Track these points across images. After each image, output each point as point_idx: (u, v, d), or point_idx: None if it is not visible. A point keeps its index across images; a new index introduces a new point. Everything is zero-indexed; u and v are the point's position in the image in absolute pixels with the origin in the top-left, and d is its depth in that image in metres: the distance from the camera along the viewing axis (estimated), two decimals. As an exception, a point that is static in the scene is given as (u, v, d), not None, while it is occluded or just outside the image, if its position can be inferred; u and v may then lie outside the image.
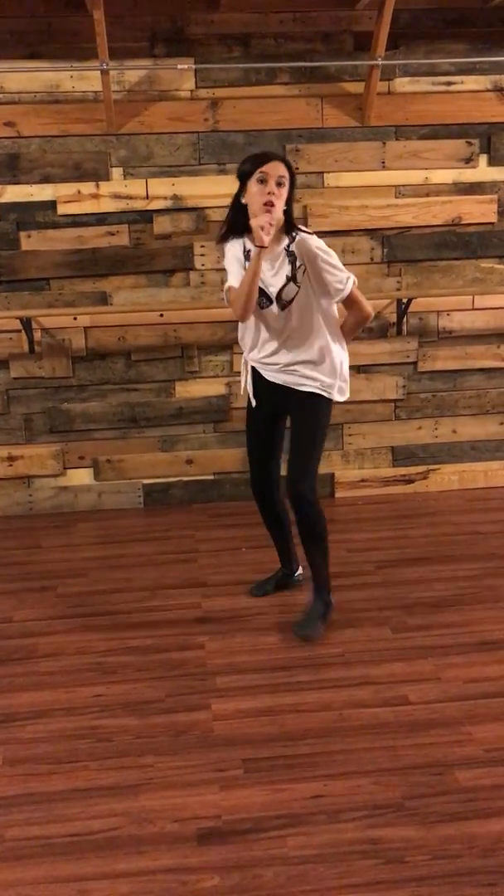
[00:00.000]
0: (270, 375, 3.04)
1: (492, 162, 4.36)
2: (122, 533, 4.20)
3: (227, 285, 2.91)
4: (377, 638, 2.99)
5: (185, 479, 4.55)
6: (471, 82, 4.27)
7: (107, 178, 4.20)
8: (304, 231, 2.90)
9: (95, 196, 4.21)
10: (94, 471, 4.50)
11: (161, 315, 4.33)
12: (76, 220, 4.23)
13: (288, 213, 2.87)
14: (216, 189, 4.21)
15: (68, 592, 3.51)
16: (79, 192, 4.21)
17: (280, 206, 2.80)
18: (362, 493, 4.58)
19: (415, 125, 4.29)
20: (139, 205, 4.24)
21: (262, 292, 2.88)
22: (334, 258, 2.89)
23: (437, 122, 4.29)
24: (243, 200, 2.85)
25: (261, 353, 3.03)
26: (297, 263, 2.87)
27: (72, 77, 4.09)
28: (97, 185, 4.21)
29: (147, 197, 4.24)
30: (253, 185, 2.80)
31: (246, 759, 2.36)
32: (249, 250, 2.84)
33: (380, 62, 3.98)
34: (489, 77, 4.27)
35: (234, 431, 4.49)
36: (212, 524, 4.26)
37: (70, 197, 4.21)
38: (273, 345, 2.99)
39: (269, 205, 2.76)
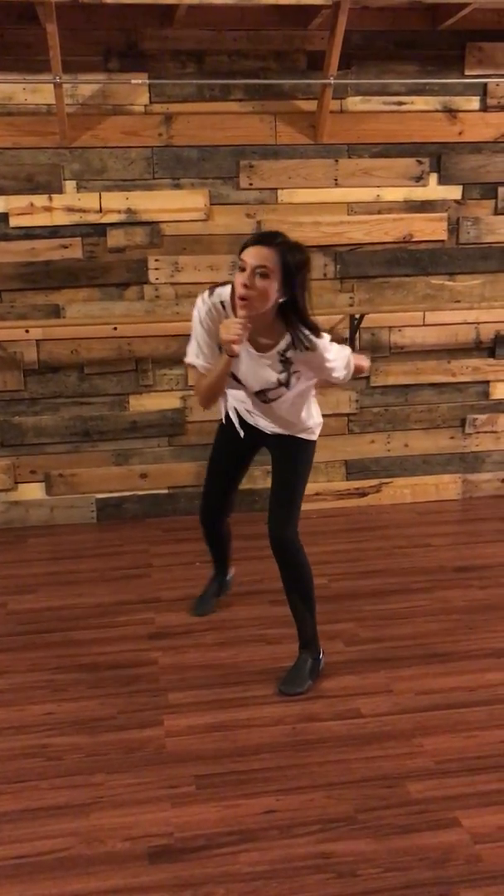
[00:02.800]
0: (246, 417, 2.81)
1: (441, 181, 4.44)
2: (74, 548, 4.16)
3: (189, 358, 2.62)
4: (330, 651, 2.99)
5: (140, 493, 4.52)
6: (421, 103, 4.35)
7: (60, 190, 4.18)
8: (316, 339, 2.47)
9: (48, 209, 4.19)
10: (46, 485, 4.45)
11: (115, 328, 4.31)
12: (29, 233, 4.20)
13: (289, 306, 2.43)
14: (170, 203, 4.22)
15: (19, 609, 3.46)
16: (31, 204, 4.18)
17: (262, 305, 2.39)
18: (317, 507, 4.60)
19: (367, 143, 4.35)
20: (92, 218, 4.23)
21: (234, 377, 2.62)
22: (336, 353, 2.56)
23: (389, 141, 4.36)
24: None
25: (238, 399, 2.79)
26: (293, 370, 2.53)
27: (24, 89, 4.07)
28: (50, 198, 4.18)
29: (100, 210, 4.22)
30: (237, 273, 2.41)
31: (198, 775, 2.35)
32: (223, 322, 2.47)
33: (332, 81, 4.04)
34: (438, 98, 4.35)
35: (188, 445, 4.48)
36: (166, 539, 4.23)
37: (22, 209, 4.17)
38: (251, 405, 2.75)
39: (242, 299, 2.37)
